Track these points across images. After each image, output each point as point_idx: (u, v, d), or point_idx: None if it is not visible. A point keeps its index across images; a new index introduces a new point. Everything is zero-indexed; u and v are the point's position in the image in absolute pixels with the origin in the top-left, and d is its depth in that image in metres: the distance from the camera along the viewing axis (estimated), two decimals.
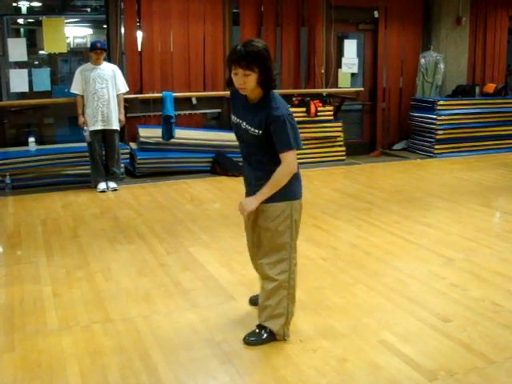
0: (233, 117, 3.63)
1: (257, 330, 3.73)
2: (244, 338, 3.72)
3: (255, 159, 3.56)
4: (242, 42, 3.37)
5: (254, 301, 4.17)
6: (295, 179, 3.54)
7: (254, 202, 3.49)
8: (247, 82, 3.36)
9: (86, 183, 8.26)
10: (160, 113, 9.07)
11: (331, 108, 10.29)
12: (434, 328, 3.91)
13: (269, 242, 3.60)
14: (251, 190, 3.61)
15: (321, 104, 10.10)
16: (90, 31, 11.43)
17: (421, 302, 4.32)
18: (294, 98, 10.12)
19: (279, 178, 3.43)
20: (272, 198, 3.49)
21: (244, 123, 3.51)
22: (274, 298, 3.62)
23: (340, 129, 10.21)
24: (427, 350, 3.63)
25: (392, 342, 3.72)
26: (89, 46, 8.36)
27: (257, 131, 3.43)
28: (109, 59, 8.82)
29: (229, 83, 3.50)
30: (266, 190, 3.45)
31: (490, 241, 5.79)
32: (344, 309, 4.24)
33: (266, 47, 3.39)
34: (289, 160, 3.41)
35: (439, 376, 3.31)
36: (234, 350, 3.63)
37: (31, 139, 8.53)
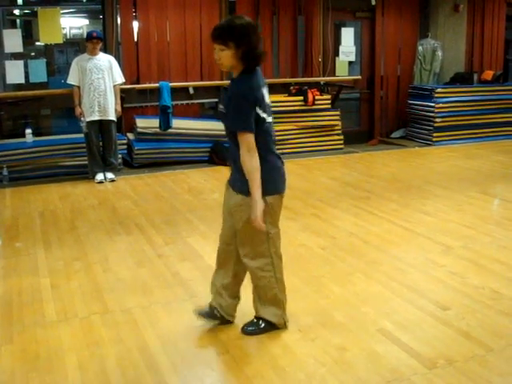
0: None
1: (254, 320, 3.72)
2: (242, 327, 3.72)
3: (232, 140, 3.42)
4: (226, 18, 3.37)
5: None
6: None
7: (256, 204, 3.30)
8: (222, 58, 3.30)
9: (83, 174, 8.24)
10: (157, 103, 9.03)
11: (329, 96, 10.27)
12: (432, 316, 3.91)
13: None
14: (231, 174, 3.58)
15: (318, 93, 10.07)
16: (86, 22, 11.35)
17: (420, 291, 4.31)
18: (291, 87, 10.09)
19: (244, 166, 3.29)
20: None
21: (220, 105, 3.47)
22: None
23: (338, 117, 10.19)
24: (426, 338, 3.62)
25: (391, 330, 3.71)
26: (85, 36, 8.32)
27: (224, 109, 3.36)
28: (105, 50, 8.78)
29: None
30: (251, 184, 3.30)
31: (489, 228, 5.78)
32: (342, 298, 4.23)
33: (248, 23, 3.32)
34: (242, 141, 3.28)
35: (438, 364, 3.31)
36: (232, 339, 3.63)
37: (28, 131, 8.50)
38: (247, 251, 3.53)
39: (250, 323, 3.72)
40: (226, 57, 3.28)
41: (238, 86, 3.32)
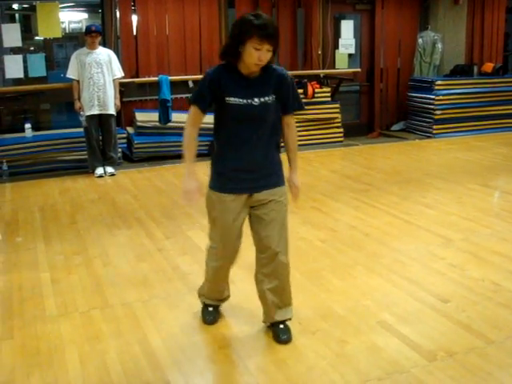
0: (231, 99, 3.24)
1: (281, 326, 3.57)
2: (279, 340, 3.52)
3: (265, 135, 3.33)
4: (258, 14, 3.16)
5: None
6: None
7: (298, 178, 3.53)
8: (268, 58, 3.17)
9: (83, 169, 8.23)
10: (156, 97, 9.02)
11: (329, 89, 10.25)
12: (433, 308, 3.91)
13: (283, 217, 3.45)
14: (258, 173, 3.36)
15: (318, 85, 10.06)
16: (85, 16, 11.32)
17: (420, 283, 4.31)
18: None
19: (296, 142, 3.48)
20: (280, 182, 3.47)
21: (256, 99, 3.24)
22: None
23: (338, 110, 10.17)
24: (426, 330, 3.63)
25: (391, 322, 3.72)
26: (84, 30, 8.30)
27: (271, 98, 3.28)
28: (104, 43, 8.75)
29: (231, 56, 3.21)
30: (297, 162, 3.53)
31: (489, 221, 5.78)
32: (343, 290, 4.23)
33: None
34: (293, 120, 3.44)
35: (439, 356, 3.31)
36: (234, 333, 3.63)
37: (27, 125, 8.49)
38: (282, 247, 3.44)
39: (284, 331, 3.55)
40: (270, 56, 3.19)
41: (282, 69, 3.38)
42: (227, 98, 3.24)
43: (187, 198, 3.41)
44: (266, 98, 3.27)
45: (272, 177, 3.42)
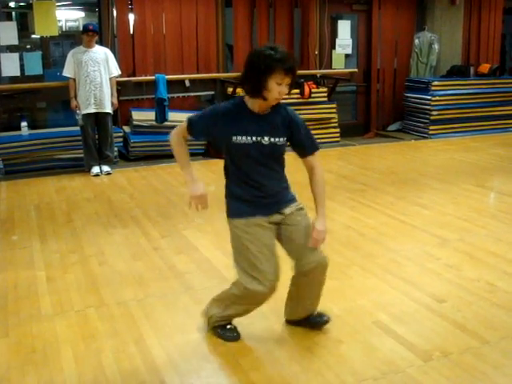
0: (238, 137, 3.17)
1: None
2: (323, 321, 3.64)
3: (275, 165, 3.32)
4: (275, 48, 3.05)
5: None
6: None
7: (324, 223, 3.36)
8: (286, 92, 3.11)
9: (79, 167, 8.22)
10: (153, 96, 9.02)
11: (325, 89, 10.25)
12: (428, 308, 3.91)
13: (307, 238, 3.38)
14: (276, 197, 3.37)
15: (315, 85, 10.06)
16: (81, 14, 11.30)
17: (415, 283, 4.32)
18: None
19: (324, 183, 3.44)
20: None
21: (266, 138, 3.18)
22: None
23: (334, 110, 10.18)
24: (422, 330, 3.63)
25: (387, 322, 3.72)
26: (81, 29, 8.29)
27: (282, 139, 3.22)
28: (101, 42, 8.75)
29: (256, 93, 3.10)
30: (324, 202, 3.45)
31: (485, 221, 5.79)
32: (339, 290, 4.23)
33: None
34: (319, 161, 3.39)
35: (434, 356, 3.32)
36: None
37: (23, 124, 8.48)
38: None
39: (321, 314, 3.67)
40: (288, 90, 3.13)
41: (294, 112, 3.32)
42: (234, 138, 3.18)
43: (201, 202, 3.38)
44: (277, 140, 3.22)
45: (288, 195, 3.47)
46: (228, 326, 3.56)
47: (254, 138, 3.18)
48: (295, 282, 3.49)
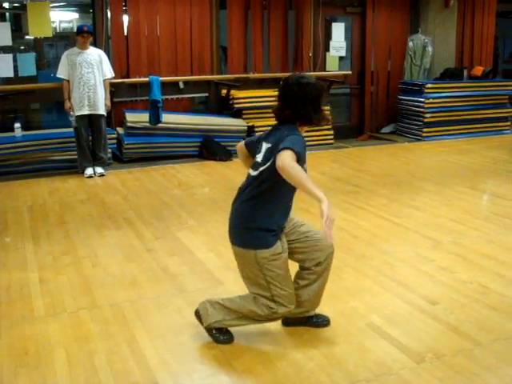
0: (305, 165, 3.29)
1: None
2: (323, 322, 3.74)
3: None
4: (306, 78, 3.34)
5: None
6: None
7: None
8: None
9: (72, 169, 8.21)
10: (147, 97, 9.00)
11: None
12: (421, 310, 3.92)
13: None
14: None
15: None
16: (76, 15, 11.30)
17: (408, 285, 4.33)
18: (281, 82, 10.04)
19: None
20: None
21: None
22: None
23: (328, 112, 10.16)
24: (415, 332, 3.64)
25: (380, 324, 3.73)
26: (75, 30, 8.28)
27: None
28: (95, 44, 8.74)
29: (319, 122, 3.38)
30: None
31: (478, 223, 5.81)
32: (332, 292, 4.22)
33: None
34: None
35: (427, 358, 3.32)
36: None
37: (17, 125, 8.45)
38: None
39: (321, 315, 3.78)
40: None
41: None
42: (304, 165, 3.25)
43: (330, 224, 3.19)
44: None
45: None
46: (224, 329, 3.56)
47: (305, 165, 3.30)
48: (305, 276, 3.57)
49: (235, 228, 3.39)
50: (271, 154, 3.21)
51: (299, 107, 3.26)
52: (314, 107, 3.28)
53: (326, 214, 3.04)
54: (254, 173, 3.33)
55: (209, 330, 3.54)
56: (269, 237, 3.31)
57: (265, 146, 3.33)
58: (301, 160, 3.12)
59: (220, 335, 3.53)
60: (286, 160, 3.02)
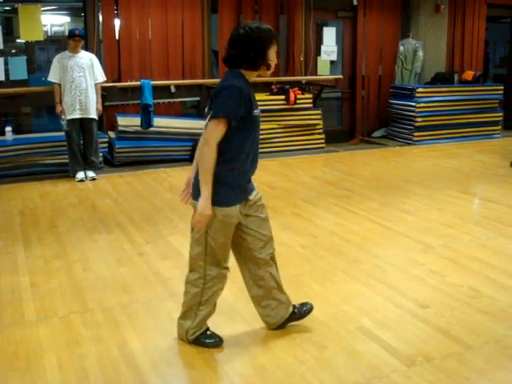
0: (256, 111, 3.29)
1: None
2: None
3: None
4: (259, 23, 3.33)
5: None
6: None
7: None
8: None
9: (63, 173, 8.18)
10: (138, 101, 8.99)
11: (310, 96, 10.28)
12: (412, 314, 3.93)
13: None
14: (249, 183, 3.46)
15: (300, 92, 10.09)
16: (67, 19, 11.29)
17: (399, 289, 4.34)
18: (273, 86, 10.09)
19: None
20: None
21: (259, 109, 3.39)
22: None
23: (319, 116, 10.21)
24: (405, 335, 3.65)
25: (370, 328, 3.74)
26: (66, 34, 8.26)
27: None
28: (86, 47, 8.73)
29: (259, 65, 3.28)
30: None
31: (469, 227, 5.83)
32: (323, 296, 4.25)
33: None
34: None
35: (417, 361, 3.34)
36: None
37: (8, 128, 8.43)
38: None
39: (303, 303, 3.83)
40: None
41: None
42: (254, 111, 3.28)
43: (204, 222, 3.19)
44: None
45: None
46: (208, 332, 3.55)
47: (259, 110, 3.34)
48: (261, 284, 3.56)
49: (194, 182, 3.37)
50: (210, 104, 3.28)
51: (244, 49, 3.23)
52: (259, 51, 3.24)
53: (193, 221, 3.23)
54: (204, 122, 3.34)
55: (195, 342, 3.51)
56: (229, 193, 3.27)
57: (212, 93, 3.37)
58: (235, 119, 3.14)
59: (206, 340, 3.52)
60: (207, 137, 3.16)
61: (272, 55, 3.29)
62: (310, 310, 3.78)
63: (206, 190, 3.13)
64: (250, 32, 3.24)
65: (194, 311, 3.47)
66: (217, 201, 3.21)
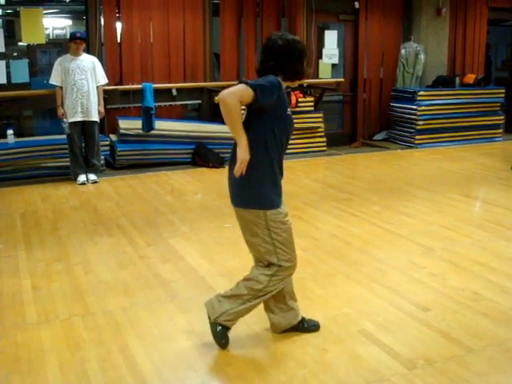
0: (288, 110, 3.39)
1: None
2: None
3: None
4: (290, 35, 3.41)
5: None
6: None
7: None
8: None
9: (65, 175, 8.19)
10: (140, 104, 9.01)
11: (312, 99, 10.28)
12: (413, 317, 3.93)
13: None
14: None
15: (301, 95, 10.09)
16: (69, 22, 11.31)
17: (400, 292, 4.34)
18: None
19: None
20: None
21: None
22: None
23: (321, 119, 10.22)
24: (407, 339, 3.65)
25: (372, 331, 3.73)
26: (68, 37, 8.27)
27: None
28: (88, 50, 8.73)
29: (298, 77, 3.41)
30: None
31: (470, 230, 5.83)
32: (324, 299, 4.25)
33: None
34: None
35: (418, 365, 3.33)
36: (214, 341, 3.62)
37: (10, 131, 8.43)
38: None
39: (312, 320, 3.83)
40: None
41: None
42: (287, 110, 3.37)
43: (243, 168, 3.17)
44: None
45: None
46: (228, 332, 3.55)
47: (290, 111, 3.40)
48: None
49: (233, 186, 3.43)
50: None
51: (283, 60, 3.31)
52: (298, 63, 3.36)
53: (239, 159, 3.16)
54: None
55: (214, 325, 3.51)
56: (274, 194, 3.37)
57: None
58: (261, 95, 3.12)
59: (222, 336, 3.52)
60: (225, 93, 3.08)
61: (305, 67, 3.41)
62: (316, 328, 3.77)
63: (241, 140, 3.14)
64: (288, 43, 3.33)
65: (240, 300, 3.47)
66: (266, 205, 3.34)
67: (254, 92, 3.09)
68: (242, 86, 3.10)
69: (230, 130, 3.17)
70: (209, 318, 3.54)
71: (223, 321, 3.49)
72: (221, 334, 3.52)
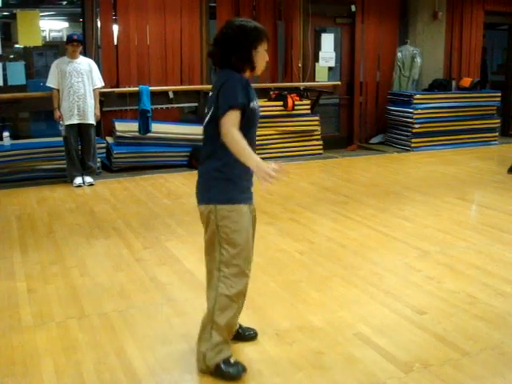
0: (254, 103, 3.16)
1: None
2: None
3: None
4: (249, 21, 3.25)
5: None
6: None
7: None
8: None
9: (61, 178, 8.18)
10: (136, 107, 9.00)
11: (308, 102, 10.30)
12: (409, 320, 3.93)
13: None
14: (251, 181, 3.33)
15: (298, 98, 10.11)
16: (65, 24, 11.32)
17: (396, 295, 4.34)
18: (271, 92, 10.12)
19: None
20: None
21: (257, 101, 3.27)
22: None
23: (317, 123, 10.23)
24: (402, 342, 3.65)
25: (368, 334, 3.73)
26: (65, 39, 8.27)
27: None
28: (85, 53, 8.73)
29: (247, 62, 3.16)
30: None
31: (466, 233, 5.84)
32: (320, 302, 4.25)
33: None
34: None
35: (414, 368, 3.33)
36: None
37: (6, 134, 8.43)
38: None
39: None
40: None
41: None
42: (251, 103, 3.15)
43: (274, 174, 2.96)
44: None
45: None
46: (232, 360, 3.26)
47: (257, 102, 3.22)
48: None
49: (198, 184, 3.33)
50: (210, 103, 3.18)
51: (225, 50, 3.15)
52: (234, 48, 3.13)
53: (262, 183, 2.95)
54: (204, 125, 3.29)
55: (215, 370, 3.24)
56: (233, 189, 3.18)
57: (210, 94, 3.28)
58: (243, 105, 3.04)
59: (228, 367, 3.23)
60: (226, 127, 2.99)
61: (261, 52, 3.18)
62: (253, 337, 3.65)
63: (253, 161, 2.95)
64: (235, 29, 3.17)
65: (208, 330, 3.26)
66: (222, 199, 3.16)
67: (239, 108, 3.02)
68: (228, 117, 2.99)
69: (241, 158, 3.00)
70: (205, 370, 3.29)
71: (211, 360, 3.23)
72: (227, 368, 3.23)
